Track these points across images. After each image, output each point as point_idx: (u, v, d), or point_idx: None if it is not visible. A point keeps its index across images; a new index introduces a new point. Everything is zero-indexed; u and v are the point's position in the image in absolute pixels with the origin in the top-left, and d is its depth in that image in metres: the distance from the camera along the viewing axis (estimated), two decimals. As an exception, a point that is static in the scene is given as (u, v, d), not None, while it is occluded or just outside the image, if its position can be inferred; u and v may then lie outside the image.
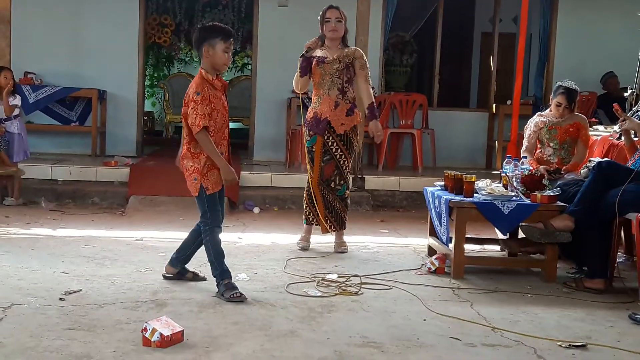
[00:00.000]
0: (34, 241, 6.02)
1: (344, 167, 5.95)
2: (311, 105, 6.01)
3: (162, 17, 14.41)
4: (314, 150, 5.92)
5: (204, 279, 4.82)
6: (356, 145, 6.11)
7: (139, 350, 3.49)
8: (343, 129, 5.89)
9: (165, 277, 4.86)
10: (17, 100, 8.12)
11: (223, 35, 4.51)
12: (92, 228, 6.75)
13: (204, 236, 4.61)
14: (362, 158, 8.83)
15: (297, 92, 6.01)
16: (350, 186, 6.91)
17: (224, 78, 4.79)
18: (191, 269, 4.90)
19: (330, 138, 5.88)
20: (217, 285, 4.51)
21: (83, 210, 7.81)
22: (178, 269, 4.85)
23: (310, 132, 5.93)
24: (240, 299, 4.36)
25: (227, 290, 4.41)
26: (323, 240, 6.23)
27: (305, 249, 6.01)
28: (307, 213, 6.04)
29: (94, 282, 4.74)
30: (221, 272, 4.52)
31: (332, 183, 5.94)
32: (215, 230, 4.58)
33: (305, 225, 6.11)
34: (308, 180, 6.01)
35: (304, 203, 6.07)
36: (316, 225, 6.06)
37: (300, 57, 5.84)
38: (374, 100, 5.98)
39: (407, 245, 6.43)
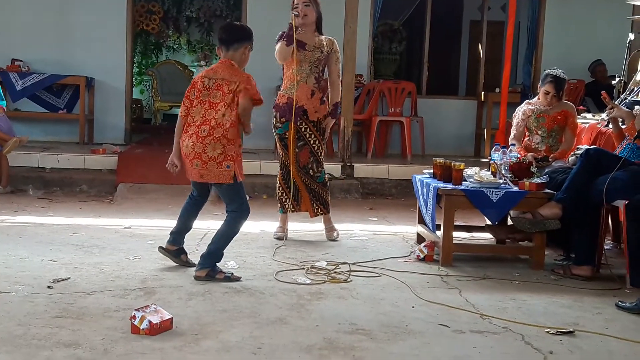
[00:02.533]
0: (21, 229, 6.00)
1: (319, 153, 5.93)
2: (282, 89, 5.92)
3: (150, 4, 14.34)
4: (286, 137, 5.88)
5: (193, 264, 4.83)
6: (327, 134, 6.07)
7: (127, 337, 3.49)
8: (317, 116, 5.88)
9: (160, 251, 4.93)
10: None
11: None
12: (80, 216, 6.72)
13: (231, 218, 4.66)
14: (351, 146, 8.82)
15: (280, 62, 5.89)
16: (340, 174, 6.93)
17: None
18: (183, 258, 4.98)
19: (304, 124, 5.85)
20: (205, 264, 4.59)
21: (71, 198, 7.78)
22: (180, 247, 4.95)
23: (282, 119, 5.86)
24: (237, 279, 4.59)
25: (221, 272, 4.61)
26: (312, 228, 6.24)
27: (281, 238, 5.92)
28: (283, 200, 5.99)
29: (82, 270, 4.73)
30: (220, 256, 4.67)
31: (311, 170, 5.92)
32: (243, 219, 4.68)
33: (280, 214, 6.05)
34: (281, 166, 5.97)
35: (278, 190, 6.01)
36: (292, 212, 6.02)
37: (293, 15, 5.70)
38: (339, 100, 6.07)
39: (396, 233, 6.45)
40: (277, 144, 5.97)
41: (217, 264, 4.65)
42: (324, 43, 5.86)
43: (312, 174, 5.93)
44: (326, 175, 6.05)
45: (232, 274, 4.65)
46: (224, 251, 4.70)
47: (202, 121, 4.57)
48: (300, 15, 5.74)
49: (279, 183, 6.01)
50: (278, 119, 5.90)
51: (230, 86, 4.55)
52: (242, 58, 4.72)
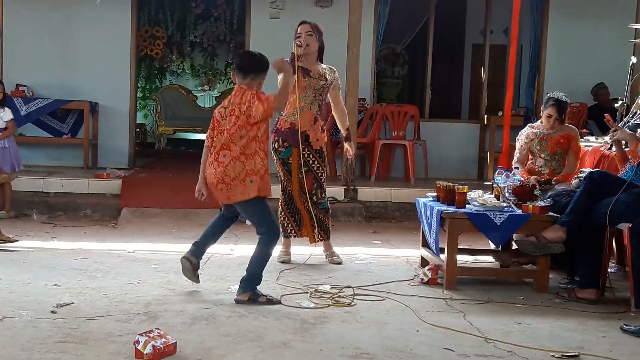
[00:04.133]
0: (25, 254, 6.00)
1: (322, 180, 5.97)
2: (284, 114, 5.93)
3: (154, 29, 14.42)
4: (290, 162, 5.90)
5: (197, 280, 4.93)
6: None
7: (131, 362, 3.49)
8: (319, 144, 5.93)
9: (182, 261, 4.92)
10: (6, 113, 8.07)
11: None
12: (84, 240, 6.73)
13: (262, 240, 4.73)
14: (355, 169, 8.83)
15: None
16: (343, 197, 6.91)
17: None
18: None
19: (306, 150, 5.88)
20: (246, 288, 4.66)
21: (75, 222, 7.79)
22: (198, 259, 4.96)
23: (285, 144, 5.88)
24: (278, 302, 4.67)
25: (263, 296, 4.67)
26: (315, 251, 6.23)
27: (286, 262, 5.94)
28: (285, 225, 6.01)
29: (85, 294, 4.73)
30: (259, 278, 4.73)
31: (314, 197, 5.93)
32: (274, 239, 4.75)
33: (283, 238, 6.04)
34: (283, 191, 5.99)
35: (281, 215, 6.02)
36: (294, 237, 6.04)
37: (295, 45, 5.77)
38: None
39: (400, 256, 6.44)
40: (279, 169, 5.98)
41: (258, 287, 4.70)
42: (327, 72, 5.92)
43: (315, 200, 5.94)
44: (328, 202, 6.07)
45: (273, 297, 4.70)
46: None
47: (221, 147, 4.69)
48: (303, 45, 5.79)
49: (281, 208, 6.01)
50: (281, 143, 5.91)
51: (241, 108, 4.64)
52: (258, 87, 4.78)
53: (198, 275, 4.96)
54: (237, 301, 4.63)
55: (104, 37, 10.31)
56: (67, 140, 10.19)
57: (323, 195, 5.98)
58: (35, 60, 10.23)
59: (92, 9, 10.21)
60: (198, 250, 4.96)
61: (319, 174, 5.94)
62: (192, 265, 4.92)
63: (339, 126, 6.22)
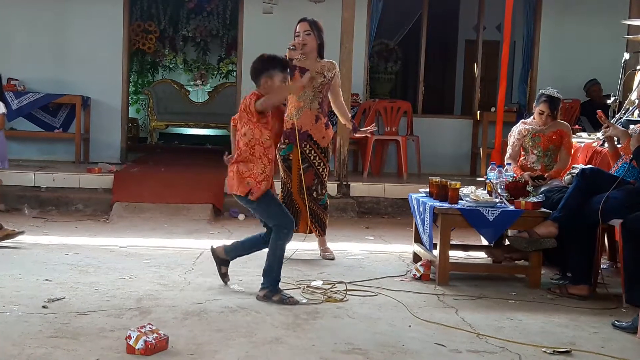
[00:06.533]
0: (16, 248, 5.97)
1: (324, 176, 5.96)
2: (286, 115, 5.90)
3: (146, 23, 14.38)
4: (290, 158, 5.89)
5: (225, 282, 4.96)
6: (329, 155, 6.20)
7: (123, 357, 3.48)
8: (325, 142, 5.91)
9: (212, 252, 4.96)
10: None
11: (281, 66, 4.72)
12: (76, 235, 6.70)
13: (273, 234, 4.71)
14: (347, 165, 8.82)
15: None
16: (336, 193, 6.87)
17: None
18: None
19: (308, 146, 5.87)
20: (264, 285, 4.66)
21: (66, 217, 7.76)
22: (228, 259, 4.97)
23: (286, 140, 5.87)
24: (296, 302, 4.58)
25: (277, 294, 4.61)
26: (308, 247, 6.23)
27: None
28: None
29: (77, 289, 4.72)
30: (274, 272, 4.68)
31: (315, 192, 5.93)
32: (283, 231, 4.69)
33: None
34: (283, 188, 5.99)
35: None
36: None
37: (289, 48, 5.77)
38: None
39: (392, 251, 6.44)
40: (280, 166, 5.97)
41: (279, 284, 4.69)
42: (326, 67, 5.89)
43: (315, 196, 5.94)
44: (328, 199, 6.05)
45: (289, 296, 4.63)
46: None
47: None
48: (298, 46, 5.77)
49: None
50: (282, 141, 5.88)
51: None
52: (266, 88, 4.68)
53: (225, 274, 4.97)
54: (257, 297, 4.65)
55: (96, 31, 10.25)
56: (59, 135, 10.14)
57: (323, 191, 5.98)
58: (26, 54, 10.18)
59: (84, 3, 10.19)
60: (229, 251, 4.98)
61: (320, 170, 5.92)
62: (219, 258, 4.95)
63: (341, 120, 6.20)
